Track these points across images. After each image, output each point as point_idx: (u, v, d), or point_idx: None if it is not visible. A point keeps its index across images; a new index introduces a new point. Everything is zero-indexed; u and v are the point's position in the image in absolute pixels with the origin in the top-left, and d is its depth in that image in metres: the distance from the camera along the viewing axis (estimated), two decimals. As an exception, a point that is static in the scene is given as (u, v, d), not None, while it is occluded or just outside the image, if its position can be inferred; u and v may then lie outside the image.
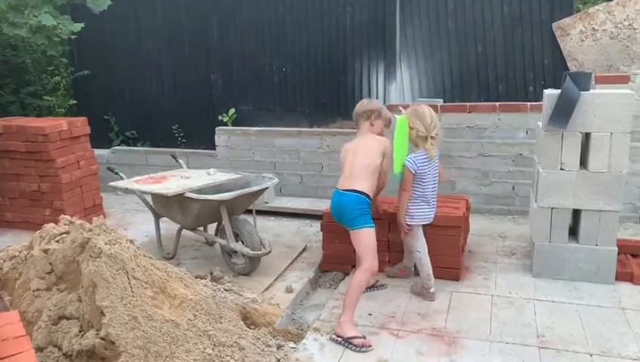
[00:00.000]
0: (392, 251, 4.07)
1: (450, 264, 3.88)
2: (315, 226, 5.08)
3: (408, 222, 3.61)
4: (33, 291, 2.85)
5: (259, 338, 3.06)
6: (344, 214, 3.39)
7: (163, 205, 4.40)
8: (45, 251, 2.93)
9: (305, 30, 6.85)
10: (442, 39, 6.58)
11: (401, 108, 3.76)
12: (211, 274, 3.99)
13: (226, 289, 3.55)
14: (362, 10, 6.67)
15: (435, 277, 3.75)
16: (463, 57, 6.53)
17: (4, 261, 3.07)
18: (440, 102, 5.70)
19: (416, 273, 3.85)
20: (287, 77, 7.02)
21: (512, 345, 3.06)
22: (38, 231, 3.12)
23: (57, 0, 6.40)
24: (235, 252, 4.10)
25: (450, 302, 3.59)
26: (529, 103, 5.27)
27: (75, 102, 7.27)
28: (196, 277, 3.58)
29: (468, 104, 5.43)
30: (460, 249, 3.91)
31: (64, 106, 6.97)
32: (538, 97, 5.88)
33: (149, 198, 4.57)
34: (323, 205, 4.89)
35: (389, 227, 4.00)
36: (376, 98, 6.83)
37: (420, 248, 3.65)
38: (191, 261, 4.41)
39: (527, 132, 5.21)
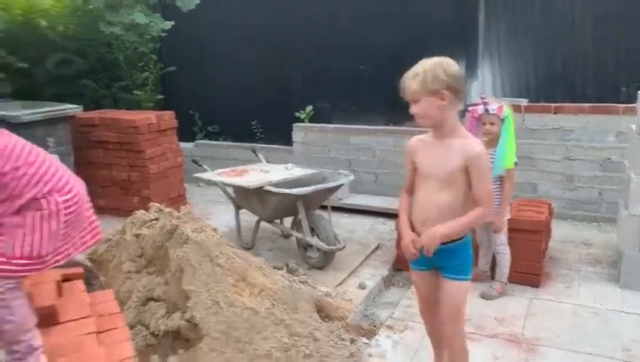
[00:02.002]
0: (468, 253, 3.99)
1: (531, 270, 3.76)
2: (389, 225, 5.07)
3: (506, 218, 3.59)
4: (125, 273, 3.05)
5: (333, 331, 3.10)
6: None
7: (244, 197, 4.56)
8: (136, 236, 3.13)
9: (383, 28, 6.82)
10: (528, 36, 6.34)
11: (481, 99, 3.65)
12: (287, 265, 4.09)
13: (301, 282, 3.63)
14: (443, 7, 6.56)
15: (514, 282, 3.66)
16: (550, 56, 6.26)
17: (100, 244, 3.30)
18: (524, 102, 5.51)
19: (492, 276, 3.77)
20: (363, 75, 7.03)
21: (596, 357, 2.93)
22: (130, 217, 3.33)
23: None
24: (311, 246, 4.18)
25: (529, 309, 3.48)
26: (621, 105, 4.99)
27: (162, 97, 7.64)
28: (273, 268, 3.69)
29: (553, 105, 5.22)
30: (541, 254, 3.78)
31: (152, 101, 7.33)
32: (631, 99, 5.54)
33: (230, 190, 4.74)
34: (397, 204, 4.86)
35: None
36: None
37: (506, 244, 3.60)
38: (267, 252, 4.53)
39: (617, 135, 4.93)
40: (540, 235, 3.76)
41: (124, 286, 3.00)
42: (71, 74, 6.49)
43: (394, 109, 6.93)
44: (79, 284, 2.53)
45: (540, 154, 5.21)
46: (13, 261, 1.77)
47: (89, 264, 2.94)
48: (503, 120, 3.46)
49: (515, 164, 3.52)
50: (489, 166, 2.24)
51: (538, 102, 5.89)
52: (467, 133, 2.26)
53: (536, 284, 3.75)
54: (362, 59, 6.97)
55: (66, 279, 2.53)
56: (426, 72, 2.11)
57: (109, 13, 6.31)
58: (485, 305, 3.55)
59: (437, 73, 2.10)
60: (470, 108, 3.67)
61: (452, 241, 2.24)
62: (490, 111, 3.48)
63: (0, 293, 1.76)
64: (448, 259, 2.29)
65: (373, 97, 7.05)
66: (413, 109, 2.17)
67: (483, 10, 6.41)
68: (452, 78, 2.11)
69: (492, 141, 3.52)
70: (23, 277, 1.86)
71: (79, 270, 2.64)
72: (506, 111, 3.46)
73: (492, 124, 3.49)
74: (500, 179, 3.52)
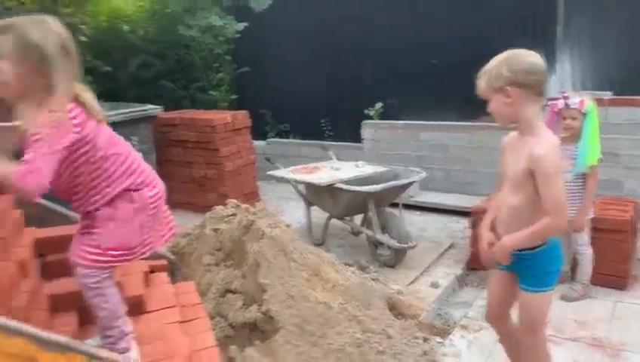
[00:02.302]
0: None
1: (616, 271, 3.58)
2: (462, 223, 4.97)
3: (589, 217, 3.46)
4: (205, 266, 3.18)
5: (406, 329, 3.10)
6: None
7: (315, 194, 4.62)
8: (215, 231, 3.25)
9: (455, 21, 6.67)
10: (610, 25, 6.00)
11: (561, 93, 3.51)
12: (358, 263, 4.11)
13: (372, 279, 3.65)
14: (521, 1, 6.33)
15: (598, 284, 3.51)
16: (634, 45, 5.90)
17: (181, 237, 3.47)
18: (607, 95, 5.23)
19: (573, 277, 3.62)
20: (435, 70, 6.91)
21: (689, 366, 2.76)
22: (209, 213, 3.47)
23: (224, 1, 6.96)
24: (381, 243, 4.18)
25: (614, 312, 3.31)
26: None
27: (236, 96, 7.87)
28: (344, 265, 3.72)
29: (640, 98, 4.92)
30: (627, 255, 3.59)
31: (226, 100, 7.57)
32: None
33: (302, 187, 4.82)
34: (471, 202, 4.76)
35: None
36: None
37: (588, 244, 3.45)
38: (338, 249, 4.57)
39: None
40: (626, 235, 3.57)
41: (204, 279, 3.13)
42: (151, 76, 6.82)
43: (468, 104, 6.72)
44: (164, 276, 2.67)
45: (626, 150, 4.92)
46: (108, 252, 1.88)
47: (172, 257, 3.08)
48: (584, 114, 3.31)
49: (600, 160, 3.36)
50: (556, 170, 1.99)
51: (622, 95, 5.56)
52: (544, 131, 2.06)
53: (621, 287, 3.57)
54: (434, 53, 6.86)
55: (152, 270, 2.67)
56: (491, 69, 2.04)
57: (187, 16, 6.58)
58: (566, 307, 3.41)
59: (500, 70, 2.00)
60: (550, 103, 3.54)
61: (528, 249, 2.11)
62: (571, 106, 3.34)
63: (97, 282, 1.88)
64: (525, 268, 2.16)
65: (446, 92, 6.91)
66: (488, 107, 2.12)
67: (563, 4, 6.14)
68: (516, 74, 1.98)
69: (573, 136, 3.38)
70: (115, 267, 1.98)
71: (163, 262, 2.79)
72: (589, 105, 3.31)
73: (573, 118, 3.35)
74: (583, 177, 3.37)
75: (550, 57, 6.24)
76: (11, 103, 1.69)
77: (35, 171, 1.62)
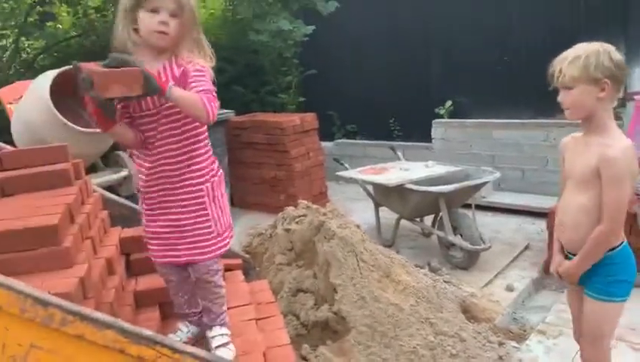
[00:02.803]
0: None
1: None
2: (538, 224, 4.79)
3: None
4: (277, 265, 3.25)
5: (480, 333, 3.03)
6: None
7: (383, 195, 4.61)
8: (287, 231, 3.31)
9: (528, 14, 6.43)
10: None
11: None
12: (429, 264, 4.06)
13: (445, 281, 3.59)
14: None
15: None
16: None
17: (254, 237, 3.56)
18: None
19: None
20: (508, 66, 6.69)
21: None
22: (281, 213, 3.54)
23: (292, 5, 7.07)
24: (453, 245, 4.10)
25: None
26: None
27: (303, 99, 7.98)
28: (415, 266, 3.69)
29: None
30: None
31: (294, 103, 7.69)
32: None
33: (370, 188, 4.82)
34: (547, 202, 4.58)
35: (630, 230, 3.58)
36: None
37: None
38: (408, 250, 4.53)
39: None
40: None
41: (277, 278, 3.20)
42: (223, 81, 7.04)
43: (543, 100, 6.45)
44: (239, 274, 2.75)
45: None
46: (224, 235, 1.97)
47: (246, 256, 3.17)
48: None
49: None
50: (625, 176, 1.88)
51: None
52: (618, 133, 1.95)
53: None
54: (506, 49, 6.64)
55: (228, 269, 2.76)
56: (589, 56, 1.87)
57: (257, 21, 6.73)
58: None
59: (602, 59, 1.85)
60: (636, 97, 3.34)
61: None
62: None
63: (220, 270, 2.00)
64: (591, 274, 2.04)
65: (519, 89, 6.68)
66: (564, 97, 1.95)
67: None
68: (618, 67, 1.87)
69: None
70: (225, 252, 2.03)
71: (238, 261, 2.88)
72: None
73: None
74: None
75: (634, 47, 5.89)
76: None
77: (214, 97, 1.82)
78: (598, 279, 2.02)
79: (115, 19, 1.88)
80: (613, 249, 1.99)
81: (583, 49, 1.91)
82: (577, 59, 1.89)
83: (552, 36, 6.22)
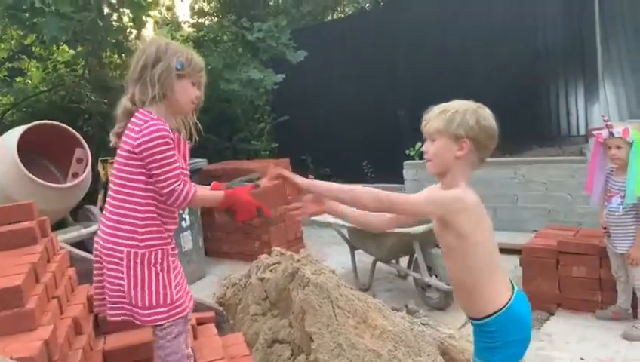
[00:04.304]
0: (603, 290, 3.68)
1: (681, 307, 3.38)
2: (512, 261, 4.80)
3: None
4: (251, 316, 3.18)
5: (459, 375, 2.99)
6: None
7: (358, 238, 4.61)
8: (261, 279, 3.27)
9: (493, 55, 6.68)
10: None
11: (604, 122, 3.43)
12: (406, 307, 4.03)
13: (422, 323, 3.56)
14: (556, 30, 6.30)
15: (662, 321, 3.30)
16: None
17: (227, 288, 3.50)
18: (655, 122, 5.07)
19: (635, 315, 3.44)
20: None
21: None
22: (255, 261, 3.50)
23: (262, 55, 7.22)
24: (430, 286, 4.10)
25: (684, 351, 3.11)
26: None
27: (276, 145, 8.05)
28: (392, 310, 3.66)
29: (692, 122, 4.74)
30: (692, 289, 3.39)
31: (268, 149, 7.76)
32: None
33: (345, 231, 4.82)
34: (520, 239, 4.64)
35: (600, 263, 3.64)
36: (577, 121, 6.33)
37: None
38: (385, 293, 4.51)
39: None
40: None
41: (252, 329, 3.13)
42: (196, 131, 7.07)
43: (510, 139, 6.66)
44: (211, 327, 2.69)
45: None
46: (158, 308, 1.92)
47: (219, 308, 3.11)
48: (630, 143, 3.22)
49: None
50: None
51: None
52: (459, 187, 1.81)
53: (689, 323, 3.36)
54: (473, 92, 6.83)
55: (200, 323, 2.71)
56: (457, 112, 1.79)
57: (227, 72, 6.84)
58: (629, 347, 3.23)
59: (468, 118, 1.76)
60: (595, 133, 3.47)
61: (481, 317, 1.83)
62: (615, 135, 3.26)
63: (171, 339, 1.96)
64: (475, 338, 1.90)
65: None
66: (427, 147, 1.86)
67: (599, 29, 6.06)
68: (482, 131, 1.77)
69: (622, 168, 3.29)
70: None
71: (211, 313, 2.82)
72: (634, 133, 3.22)
73: (618, 147, 3.26)
74: (635, 208, 3.25)
75: (592, 86, 6.14)
76: None
77: None
78: (478, 344, 1.89)
79: (141, 74, 1.92)
80: (489, 315, 1.80)
81: (455, 104, 1.83)
82: (445, 112, 1.81)
83: (516, 79, 6.47)
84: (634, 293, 3.44)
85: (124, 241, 1.88)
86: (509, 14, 6.57)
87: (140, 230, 1.89)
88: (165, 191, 1.85)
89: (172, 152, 1.87)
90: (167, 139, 1.85)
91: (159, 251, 1.92)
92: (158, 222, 1.94)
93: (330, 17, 10.49)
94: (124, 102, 1.94)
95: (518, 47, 6.47)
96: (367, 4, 10.17)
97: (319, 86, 8.15)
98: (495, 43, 6.63)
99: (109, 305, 1.90)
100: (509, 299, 1.80)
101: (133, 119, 1.90)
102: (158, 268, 1.91)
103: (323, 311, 2.84)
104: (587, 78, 6.14)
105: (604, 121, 3.41)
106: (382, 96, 7.61)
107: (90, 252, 3.36)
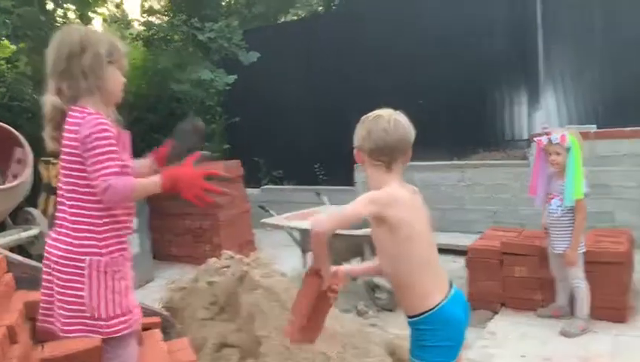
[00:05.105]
0: (544, 289, 3.82)
1: (614, 304, 3.54)
2: (459, 262, 4.94)
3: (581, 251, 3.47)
4: (199, 320, 3.14)
5: (406, 375, 3.04)
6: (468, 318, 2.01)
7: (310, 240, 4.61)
8: (209, 283, 3.23)
9: (440, 62, 6.84)
10: (591, 60, 6.17)
11: (543, 129, 3.59)
12: (356, 308, 4.08)
13: (371, 325, 3.61)
14: (500, 38, 6.52)
15: (597, 318, 3.47)
16: (617, 78, 6.04)
17: (175, 292, 3.43)
18: (593, 128, 5.32)
19: (572, 312, 3.59)
20: (423, 110, 7.04)
21: (696, 399, 2.70)
22: (203, 265, 3.45)
23: (213, 56, 7.13)
24: (379, 287, 4.15)
25: (616, 347, 3.27)
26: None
27: (228, 146, 7.96)
28: (342, 311, 3.69)
29: (626, 129, 5.01)
30: (624, 287, 3.57)
31: (219, 151, 7.66)
32: None
33: (296, 234, 4.82)
34: (467, 240, 4.76)
35: (541, 263, 3.78)
36: (520, 126, 6.56)
37: (582, 278, 3.43)
38: (336, 295, 4.52)
39: (698, 157, 4.65)
40: (622, 267, 3.56)
41: (199, 333, 3.08)
42: (143, 130, 6.91)
43: (457, 143, 6.88)
44: (157, 333, 2.63)
45: (616, 182, 4.98)
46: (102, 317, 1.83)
47: (165, 313, 3.05)
48: (568, 149, 3.37)
49: (585, 194, 3.38)
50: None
51: (608, 127, 5.67)
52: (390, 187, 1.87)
53: (621, 320, 3.53)
54: (421, 93, 7.00)
55: (145, 328, 2.64)
56: (358, 124, 1.92)
57: (177, 71, 6.72)
58: (567, 343, 3.37)
59: (359, 130, 1.90)
60: (535, 140, 3.61)
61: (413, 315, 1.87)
62: (553, 141, 3.41)
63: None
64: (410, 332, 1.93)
65: (435, 132, 7.03)
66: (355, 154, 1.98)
67: (541, 37, 6.32)
68: (371, 141, 1.85)
69: (561, 172, 3.44)
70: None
71: (157, 319, 2.76)
72: (570, 139, 3.37)
73: (557, 153, 3.41)
74: (572, 211, 3.40)
75: (534, 94, 6.38)
76: None
77: None
78: (412, 342, 1.92)
79: (71, 65, 1.79)
80: (420, 314, 1.83)
81: (371, 114, 1.91)
82: (362, 122, 1.92)
83: (463, 85, 6.64)
84: (572, 292, 3.59)
85: (84, 250, 1.76)
86: (456, 22, 6.74)
87: (99, 236, 1.79)
88: (101, 188, 1.70)
89: (114, 148, 1.75)
90: (109, 133, 1.75)
91: (120, 257, 1.84)
92: (117, 226, 1.84)
93: (283, 19, 10.48)
94: (51, 100, 1.79)
95: (465, 54, 6.65)
96: (320, 8, 10.21)
97: (272, 88, 8.12)
98: (442, 50, 6.79)
99: (63, 320, 1.77)
100: (442, 301, 1.83)
101: (69, 119, 1.78)
102: (120, 274, 1.82)
103: (272, 315, 2.83)
104: (530, 85, 6.39)
105: (543, 129, 3.57)
106: (334, 99, 7.66)
107: (29, 256, 3.23)
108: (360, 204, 1.81)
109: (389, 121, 1.85)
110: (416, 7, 7.10)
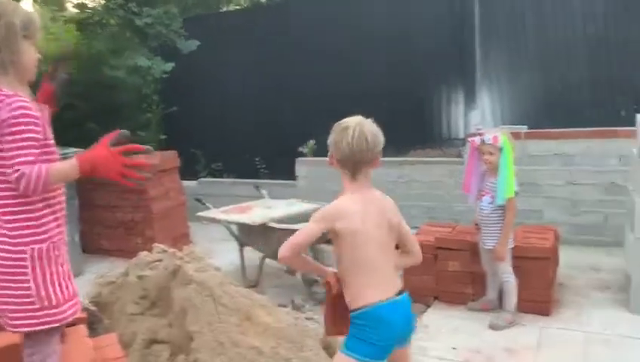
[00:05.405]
0: (475, 283, 3.94)
1: (540, 298, 3.70)
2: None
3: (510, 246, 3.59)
4: (129, 315, 3.02)
5: (340, 369, 3.04)
6: (413, 324, 2.16)
7: (247, 234, 4.55)
8: (140, 278, 3.11)
9: (380, 59, 6.92)
10: (524, 64, 6.42)
11: (476, 130, 3.70)
12: (292, 302, 4.06)
13: (307, 318, 3.59)
14: (439, 38, 6.66)
15: (524, 311, 3.61)
16: (548, 81, 6.32)
17: (103, 286, 3.29)
18: (524, 128, 5.53)
19: (500, 306, 3.72)
20: (362, 106, 7.09)
21: (611, 387, 2.86)
22: (134, 259, 3.32)
23: (150, 43, 6.89)
24: (316, 281, 4.14)
25: (540, 339, 3.41)
26: (621, 129, 4.99)
27: (164, 136, 7.73)
28: (278, 306, 3.65)
29: (554, 130, 5.24)
30: (549, 281, 3.73)
31: (155, 141, 7.41)
32: (631, 122, 5.56)
33: (234, 228, 4.74)
34: (403, 235, 4.84)
35: (472, 258, 3.89)
36: (457, 125, 6.74)
37: (511, 272, 3.56)
38: (273, 289, 4.50)
39: (620, 159, 4.93)
40: (548, 262, 3.72)
41: (129, 329, 2.97)
42: (75, 118, 6.58)
43: (397, 140, 6.96)
44: (82, 329, 2.51)
45: (544, 180, 5.20)
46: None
47: (93, 308, 2.92)
48: (500, 149, 3.48)
49: (516, 193, 3.51)
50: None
51: (539, 128, 5.91)
52: (340, 198, 2.09)
53: (546, 313, 3.69)
54: (361, 91, 7.05)
55: (70, 324, 2.50)
56: (378, 138, 2.10)
57: (112, 57, 6.44)
58: (495, 336, 3.48)
59: (331, 136, 2.10)
60: (469, 140, 3.71)
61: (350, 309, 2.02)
62: (486, 142, 3.51)
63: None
64: None
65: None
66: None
67: (478, 40, 6.51)
68: (337, 149, 2.03)
69: (493, 170, 3.54)
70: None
71: (82, 314, 2.62)
72: (502, 140, 3.48)
73: (490, 153, 3.52)
74: (502, 208, 3.52)
75: (471, 94, 6.57)
76: None
77: None
78: (349, 333, 2.03)
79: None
80: (354, 310, 1.98)
81: (372, 130, 2.09)
82: (333, 129, 2.12)
83: (401, 83, 6.74)
84: (501, 286, 3.72)
85: (23, 240, 1.69)
86: (395, 20, 6.83)
87: (37, 222, 1.72)
88: (14, 178, 1.62)
89: (34, 135, 1.66)
90: (30, 119, 1.65)
91: (59, 240, 1.79)
92: (54, 207, 1.78)
93: (225, 8, 10.28)
94: None
95: (404, 52, 6.76)
96: (263, -1, 10.10)
97: (213, 78, 7.95)
98: (381, 47, 6.87)
99: (11, 315, 1.70)
100: (379, 302, 1.96)
101: None
102: (61, 259, 1.78)
103: (205, 310, 2.76)
104: (467, 86, 6.57)
105: (477, 130, 3.68)
106: (276, 91, 7.59)
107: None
108: (313, 223, 2.02)
109: (353, 135, 2.01)
110: (354, 4, 7.13)
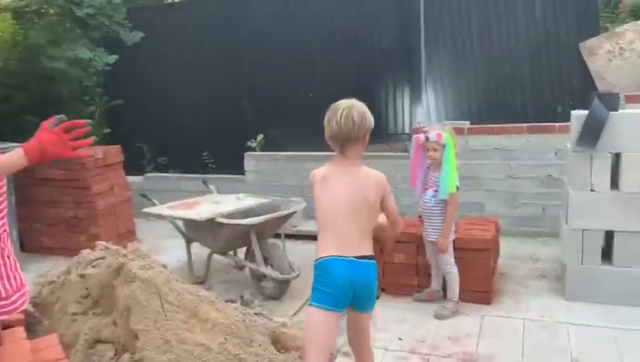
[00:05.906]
0: (420, 275, 4.05)
1: (481, 287, 3.84)
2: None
3: (452, 238, 3.71)
4: (70, 315, 2.93)
5: (289, 362, 3.07)
6: (369, 291, 2.39)
7: (194, 230, 4.49)
8: (82, 276, 3.02)
9: (331, 55, 6.96)
10: (468, 62, 6.61)
11: (422, 129, 3.79)
12: (241, 298, 4.03)
13: (256, 314, 3.58)
14: (387, 35, 6.76)
15: (466, 300, 3.73)
16: (490, 80, 6.53)
17: (43, 286, 3.17)
18: (467, 124, 5.71)
19: (444, 296, 3.84)
20: (313, 102, 7.12)
21: (546, 370, 3.01)
22: (76, 257, 3.22)
23: (92, 34, 6.66)
24: (265, 276, 4.15)
25: (482, 326, 3.55)
26: (557, 124, 5.23)
27: (108, 130, 7.51)
28: (226, 301, 3.62)
29: (495, 126, 5.43)
30: (490, 272, 3.88)
31: (98, 135, 7.17)
32: (566, 118, 5.83)
33: (180, 224, 4.67)
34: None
35: (418, 250, 4.00)
36: (403, 120, 6.87)
37: (453, 263, 3.68)
38: (221, 285, 4.47)
39: (556, 153, 5.17)
40: (488, 253, 3.86)
41: (70, 329, 2.88)
42: (12, 110, 6.30)
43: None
44: (19, 331, 2.41)
45: (486, 174, 5.39)
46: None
47: (31, 309, 2.81)
48: (444, 146, 3.59)
49: (457, 187, 3.63)
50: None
51: (481, 124, 6.11)
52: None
53: (487, 301, 3.84)
54: (311, 86, 7.07)
55: (6, 326, 2.41)
56: (364, 117, 2.40)
57: (51, 48, 6.19)
58: (439, 325, 3.60)
59: (370, 119, 2.42)
60: (415, 136, 3.80)
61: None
62: (430, 139, 3.61)
63: None
64: None
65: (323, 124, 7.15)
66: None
67: (423, 39, 6.64)
68: (326, 127, 2.40)
69: (437, 165, 3.65)
70: None
71: (20, 316, 2.52)
72: (445, 137, 3.59)
73: (434, 150, 3.63)
74: (444, 202, 3.63)
75: (417, 90, 6.71)
76: None
77: None
78: None
79: None
80: (315, 260, 2.38)
81: (358, 109, 2.42)
82: (362, 116, 2.41)
83: (350, 78, 6.80)
84: (444, 277, 3.84)
85: None
86: (345, 16, 6.89)
87: None
88: None
89: None
90: None
91: (4, 233, 1.79)
92: None
93: (170, 0, 10.05)
94: None
95: (354, 49, 6.82)
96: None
97: (158, 70, 7.76)
98: (334, 44, 6.91)
99: None
100: (332, 256, 2.29)
101: None
102: (7, 251, 1.78)
103: (150, 307, 2.71)
104: (413, 82, 6.70)
105: (421, 127, 3.78)
106: (225, 85, 7.50)
107: None
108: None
109: (342, 115, 2.32)
110: (308, 2, 7.13)
